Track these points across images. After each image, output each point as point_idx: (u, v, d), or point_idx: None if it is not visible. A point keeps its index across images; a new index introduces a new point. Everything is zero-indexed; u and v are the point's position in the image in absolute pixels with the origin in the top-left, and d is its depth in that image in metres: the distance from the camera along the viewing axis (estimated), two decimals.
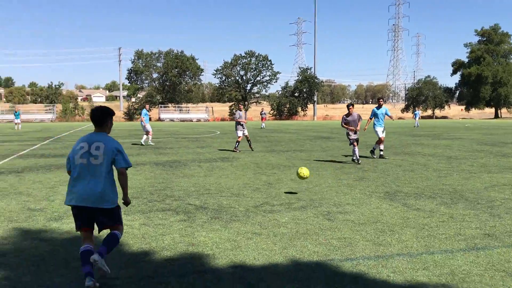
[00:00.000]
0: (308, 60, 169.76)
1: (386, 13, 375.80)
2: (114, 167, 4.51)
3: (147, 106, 23.06)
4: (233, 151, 17.73)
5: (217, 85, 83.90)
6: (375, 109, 15.57)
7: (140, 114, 25.22)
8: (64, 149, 19.09)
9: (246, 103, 79.05)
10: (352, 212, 7.36)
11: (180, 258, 5.13)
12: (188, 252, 5.36)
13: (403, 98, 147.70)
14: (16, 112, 43.76)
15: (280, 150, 18.72)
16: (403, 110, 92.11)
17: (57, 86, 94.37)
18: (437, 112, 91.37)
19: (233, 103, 78.88)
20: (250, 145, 18.40)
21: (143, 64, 78.13)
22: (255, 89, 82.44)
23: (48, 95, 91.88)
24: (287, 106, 79.10)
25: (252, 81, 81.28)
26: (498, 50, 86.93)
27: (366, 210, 7.48)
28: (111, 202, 4.46)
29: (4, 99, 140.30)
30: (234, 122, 18.47)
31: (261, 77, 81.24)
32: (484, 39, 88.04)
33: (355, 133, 13.89)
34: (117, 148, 4.50)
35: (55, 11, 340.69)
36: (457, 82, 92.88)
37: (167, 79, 77.60)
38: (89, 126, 46.20)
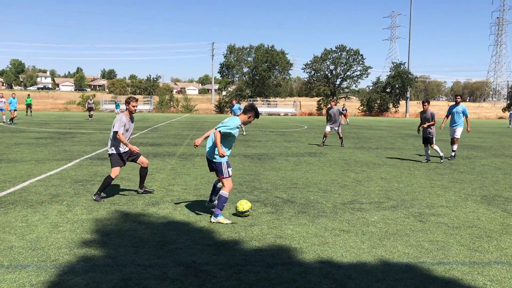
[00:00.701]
0: (402, 55, 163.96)
1: (489, 6, 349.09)
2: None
3: (234, 101, 23.57)
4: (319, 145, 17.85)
5: (306, 79, 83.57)
6: (452, 106, 14.67)
7: (231, 110, 25.68)
8: (160, 138, 20.20)
9: (334, 98, 78.01)
10: (446, 214, 7.05)
11: (268, 249, 5.25)
12: (276, 244, 5.47)
13: (505, 97, 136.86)
14: (116, 102, 47.67)
15: (369, 147, 18.30)
16: (504, 109, 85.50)
17: (155, 79, 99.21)
18: None
19: (321, 97, 78.17)
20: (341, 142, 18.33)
21: (235, 58, 79.96)
22: (344, 84, 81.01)
23: (147, 87, 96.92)
24: (378, 102, 76.77)
25: (342, 76, 79.91)
26: None
27: (461, 214, 7.11)
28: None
29: (107, 90, 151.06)
30: (326, 117, 18.50)
31: (352, 72, 79.53)
32: None
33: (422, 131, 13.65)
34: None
35: (154, 8, 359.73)
36: None
37: (257, 73, 78.72)
38: (184, 117, 48.33)
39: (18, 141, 17.57)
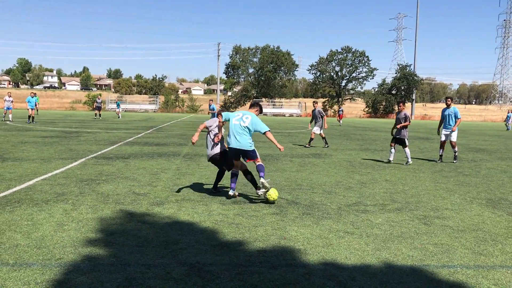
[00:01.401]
0: (408, 57, 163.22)
1: (496, 8, 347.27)
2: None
3: (211, 102, 24.02)
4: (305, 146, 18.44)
5: (311, 80, 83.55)
6: (444, 110, 14.37)
7: (209, 109, 25.76)
8: (165, 138, 20.25)
9: (340, 99, 77.92)
10: (451, 217, 7.02)
11: (272, 250, 5.26)
12: (280, 245, 5.47)
13: (511, 99, 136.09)
14: (117, 102, 48.60)
15: (374, 149, 18.26)
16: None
17: (161, 79, 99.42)
18: None
19: (326, 99, 78.12)
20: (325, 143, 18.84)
21: (240, 59, 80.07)
22: (349, 86, 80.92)
23: (152, 87, 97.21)
24: (383, 103, 76.63)
25: (348, 77, 79.83)
26: None
27: (466, 217, 7.09)
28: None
29: (113, 89, 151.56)
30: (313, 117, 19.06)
31: (357, 73, 79.47)
32: None
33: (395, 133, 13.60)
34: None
35: (160, 8, 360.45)
36: None
37: (263, 74, 78.81)
38: (189, 117, 48.41)
39: (24, 139, 17.66)
